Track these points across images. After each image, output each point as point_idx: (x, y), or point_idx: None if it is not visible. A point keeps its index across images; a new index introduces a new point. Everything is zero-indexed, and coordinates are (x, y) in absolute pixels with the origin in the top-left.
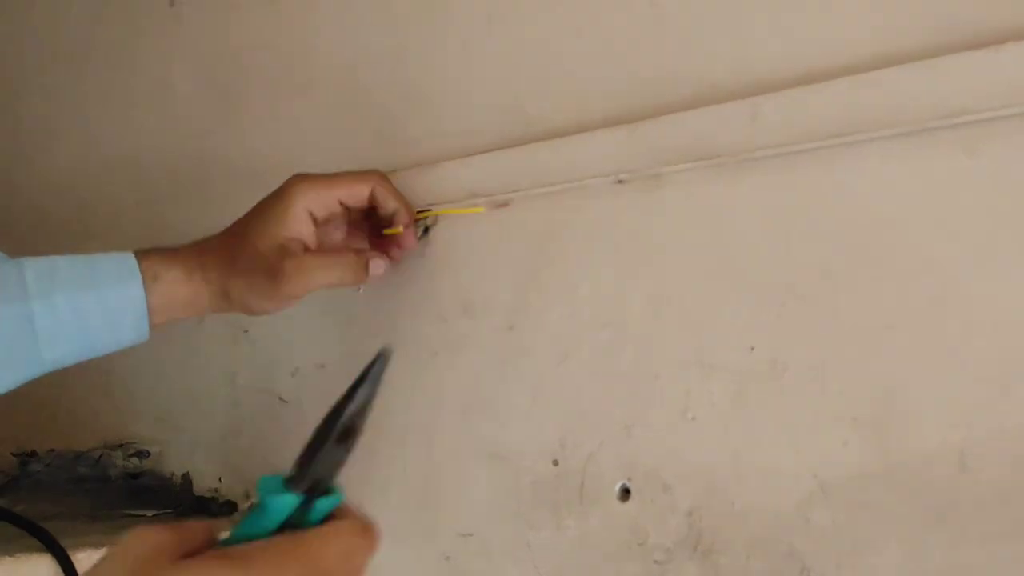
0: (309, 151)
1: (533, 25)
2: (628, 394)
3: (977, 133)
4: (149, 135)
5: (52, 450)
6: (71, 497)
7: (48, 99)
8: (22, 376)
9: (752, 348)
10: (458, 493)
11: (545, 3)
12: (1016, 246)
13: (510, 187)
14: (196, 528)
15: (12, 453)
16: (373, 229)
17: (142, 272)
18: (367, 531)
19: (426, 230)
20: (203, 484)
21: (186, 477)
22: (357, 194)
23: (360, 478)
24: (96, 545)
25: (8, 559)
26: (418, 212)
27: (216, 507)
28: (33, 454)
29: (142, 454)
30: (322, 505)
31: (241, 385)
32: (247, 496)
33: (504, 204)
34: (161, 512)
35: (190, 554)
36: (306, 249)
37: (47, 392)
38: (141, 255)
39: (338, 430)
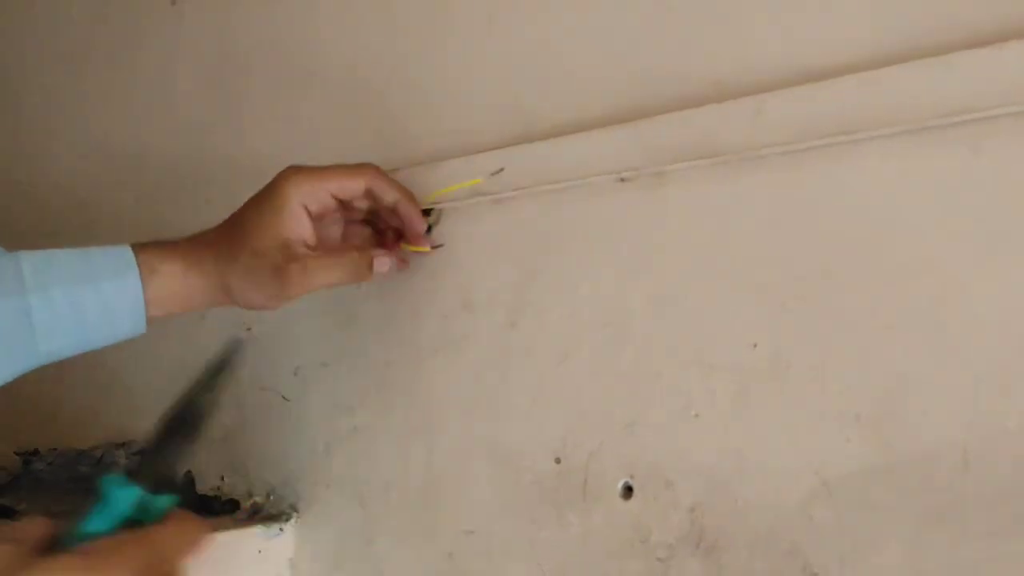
0: (310, 149)
1: (535, 23)
2: (630, 391)
3: (980, 131)
4: (151, 134)
5: (54, 449)
6: (73, 496)
7: (49, 98)
8: (18, 368)
9: (755, 345)
10: (460, 491)
11: (547, 1)
12: (1019, 244)
13: (513, 185)
14: (32, 527)
15: (14, 452)
16: (378, 227)
17: (139, 265)
18: (202, 526)
19: (429, 228)
20: (205, 483)
21: (188, 476)
22: (350, 188)
23: (362, 476)
24: None
25: None
26: (420, 210)
27: (218, 505)
28: (35, 453)
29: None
30: (161, 502)
31: (243, 384)
32: (250, 495)
33: (499, 171)
34: None
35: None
36: (307, 246)
37: (49, 391)
38: (138, 248)
39: (180, 425)
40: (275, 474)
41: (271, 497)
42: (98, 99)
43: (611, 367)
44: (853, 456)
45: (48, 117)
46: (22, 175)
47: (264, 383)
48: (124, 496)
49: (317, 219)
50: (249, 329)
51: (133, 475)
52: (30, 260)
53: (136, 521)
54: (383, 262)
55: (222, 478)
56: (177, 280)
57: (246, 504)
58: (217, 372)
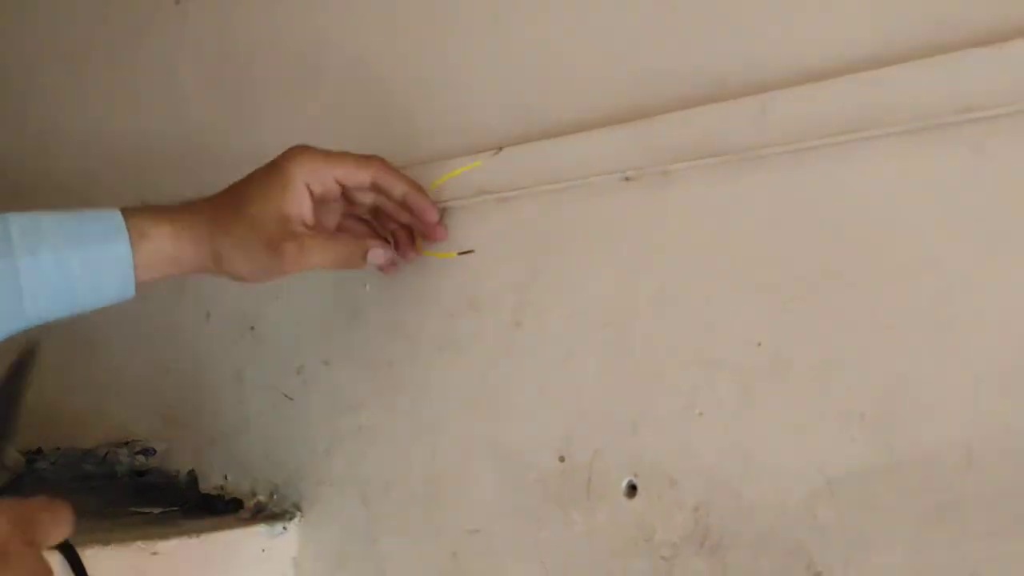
0: None
1: (539, 22)
2: (634, 390)
3: (983, 130)
4: (155, 133)
5: (58, 448)
6: (77, 495)
7: (52, 97)
8: (5, 330)
9: (758, 344)
10: (464, 490)
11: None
12: (1021, 243)
13: (517, 184)
14: None
15: (18, 451)
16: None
17: (129, 229)
18: (70, 510)
19: None
20: (209, 482)
21: (192, 474)
22: (357, 176)
23: (366, 475)
24: (103, 542)
25: None
26: None
27: (222, 504)
28: (39, 452)
29: (148, 452)
30: None
31: (247, 382)
32: (253, 494)
33: (498, 150)
34: (167, 510)
35: None
36: (304, 225)
37: (53, 390)
38: (129, 213)
39: None
40: (278, 473)
41: (274, 496)
42: (101, 98)
43: (615, 366)
44: (856, 455)
45: (51, 116)
46: (25, 174)
47: (267, 382)
48: None
49: (318, 201)
50: (252, 328)
51: None
52: (18, 223)
53: None
54: (378, 253)
55: (225, 477)
56: (167, 243)
57: (249, 503)
58: (14, 378)
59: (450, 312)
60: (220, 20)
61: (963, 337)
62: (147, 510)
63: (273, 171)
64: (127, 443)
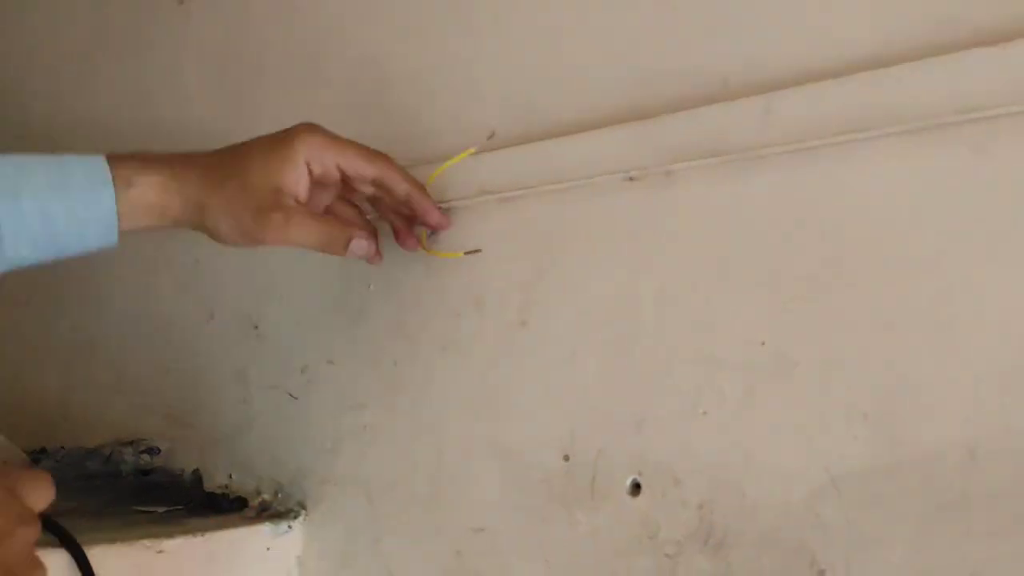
0: None
1: (543, 21)
2: (638, 389)
3: (986, 130)
4: (159, 132)
5: (62, 447)
6: (82, 494)
7: (58, 97)
8: None
9: (762, 343)
10: (469, 488)
11: (556, 0)
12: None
13: (521, 184)
14: None
15: (23, 450)
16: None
17: (114, 178)
18: (51, 483)
19: None
20: (213, 481)
21: (196, 473)
22: (359, 169)
23: (370, 474)
24: (109, 541)
25: None
26: None
27: (226, 503)
28: (43, 451)
29: (152, 451)
30: None
31: (251, 382)
32: (258, 492)
33: (491, 136)
34: (172, 508)
35: None
36: (296, 201)
37: (57, 390)
38: (116, 160)
39: None
40: (283, 472)
41: (279, 495)
42: (106, 97)
43: (619, 365)
44: (859, 454)
45: (56, 115)
46: None
47: (271, 381)
48: None
49: (315, 182)
50: (256, 327)
51: None
52: (1, 166)
53: None
54: (361, 244)
55: (230, 476)
56: (153, 193)
57: (254, 502)
58: None
59: (454, 312)
60: (223, 19)
61: (965, 336)
62: (152, 509)
63: (278, 142)
64: (131, 442)
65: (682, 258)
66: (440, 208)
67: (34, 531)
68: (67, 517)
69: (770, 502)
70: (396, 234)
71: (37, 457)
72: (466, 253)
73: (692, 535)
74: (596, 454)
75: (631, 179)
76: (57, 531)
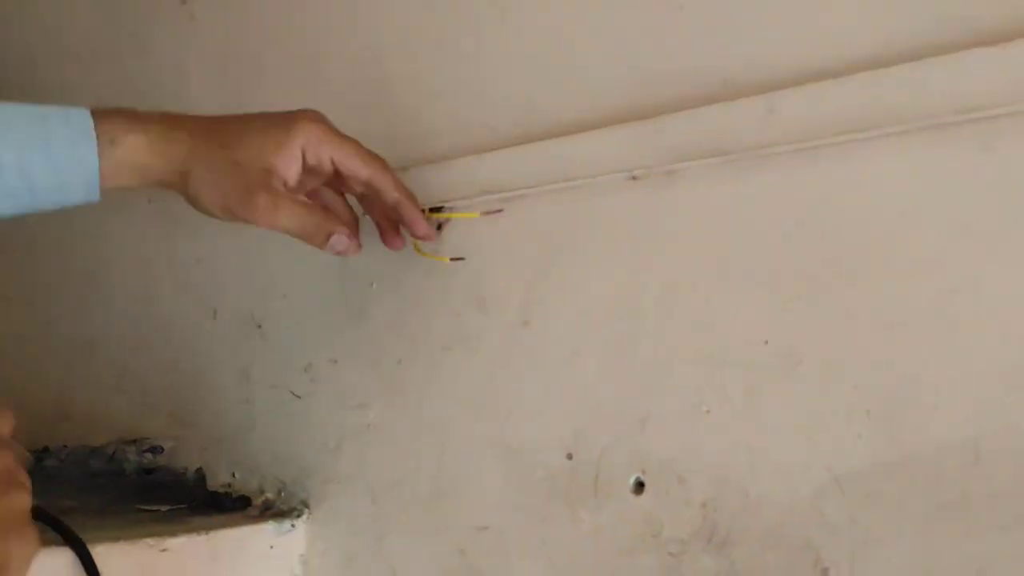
0: None
1: (546, 21)
2: (642, 388)
3: (992, 129)
4: None
5: (65, 446)
6: (85, 493)
7: (59, 97)
8: None
9: (766, 342)
10: (472, 487)
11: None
12: None
13: (523, 184)
14: None
15: (27, 449)
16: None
17: (98, 135)
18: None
19: (439, 227)
20: (216, 479)
21: (199, 472)
22: (353, 169)
23: (374, 473)
24: (113, 539)
25: None
26: (430, 210)
27: (229, 502)
28: (46, 450)
29: (156, 450)
30: None
31: (254, 381)
32: (261, 491)
33: (497, 211)
34: (175, 507)
35: None
36: (285, 186)
37: (60, 388)
38: (101, 116)
39: None
40: (286, 471)
41: (282, 494)
42: (108, 99)
43: (622, 364)
44: (864, 452)
45: None
46: None
47: (274, 380)
48: None
49: (306, 170)
50: (259, 326)
51: None
52: None
53: None
54: (341, 240)
55: (233, 475)
56: (137, 154)
57: (257, 501)
58: None
59: (457, 311)
60: (225, 19)
61: (968, 335)
62: (155, 508)
63: (278, 123)
64: (135, 441)
65: (684, 257)
66: (424, 222)
67: (6, 453)
68: (71, 515)
69: (774, 500)
70: (382, 233)
71: (40, 456)
72: (452, 259)
73: (696, 533)
74: (599, 453)
75: (633, 179)
76: (61, 529)
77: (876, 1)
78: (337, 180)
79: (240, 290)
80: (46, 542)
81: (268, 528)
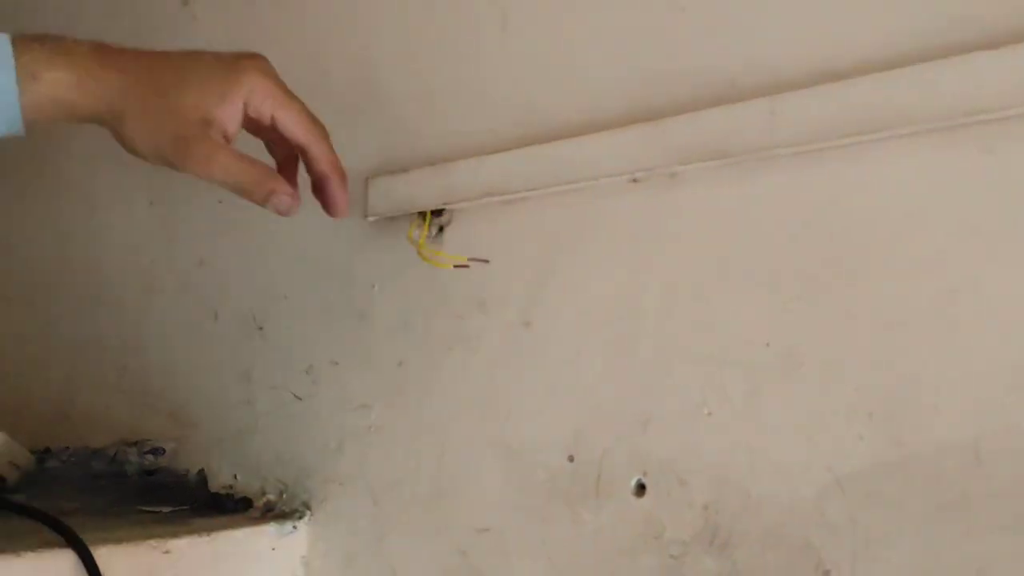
0: None
1: (548, 24)
2: (643, 390)
3: (993, 131)
4: None
5: (67, 447)
6: (87, 494)
7: None
8: None
9: (767, 344)
10: (473, 488)
11: (560, 2)
12: None
13: (524, 186)
14: None
15: (29, 450)
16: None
17: (18, 68)
18: None
19: (440, 229)
20: (218, 481)
21: (201, 474)
22: (291, 132)
23: (375, 474)
24: (115, 541)
25: (31, 554)
26: (431, 211)
27: (231, 504)
28: (48, 451)
29: (157, 451)
30: None
31: (256, 382)
32: (262, 493)
33: (484, 260)
34: (177, 509)
35: None
36: (224, 137)
37: (61, 389)
38: (23, 46)
39: None
40: (288, 472)
41: (284, 495)
42: None
43: (624, 366)
44: (865, 453)
45: None
46: (33, 175)
47: (276, 382)
48: None
49: (246, 123)
50: (260, 328)
51: None
52: None
53: None
54: (282, 200)
55: (235, 476)
56: (62, 89)
57: (259, 502)
58: None
59: (459, 312)
60: (227, 20)
61: (969, 336)
62: (157, 509)
63: (220, 73)
64: (136, 442)
65: (686, 259)
66: (346, 199)
67: None
68: (73, 517)
69: (775, 502)
70: (324, 204)
71: (42, 457)
72: (455, 266)
73: (697, 535)
74: (600, 454)
75: (635, 181)
76: (63, 531)
77: (878, 4)
78: (271, 135)
79: (241, 291)
80: (49, 544)
81: (270, 529)
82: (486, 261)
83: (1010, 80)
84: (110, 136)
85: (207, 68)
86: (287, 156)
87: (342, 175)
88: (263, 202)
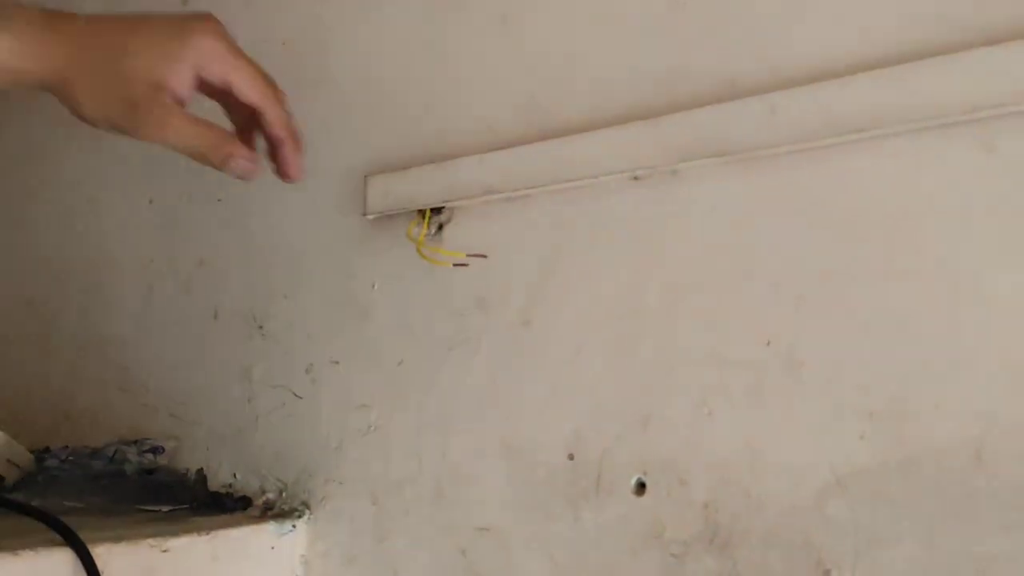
0: (323, 148)
1: (549, 21)
2: (644, 389)
3: (995, 128)
4: None
5: (66, 446)
6: (86, 493)
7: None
8: None
9: (768, 343)
10: (473, 487)
11: (561, 0)
12: None
13: (525, 184)
14: None
15: (28, 449)
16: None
17: None
18: None
19: (440, 227)
20: (218, 479)
21: (201, 473)
22: (245, 93)
23: (375, 473)
24: (114, 540)
25: (29, 552)
26: (431, 209)
27: (231, 503)
28: (47, 450)
29: (157, 450)
30: None
31: (255, 381)
32: (262, 491)
33: (482, 256)
34: (176, 508)
35: None
36: (177, 102)
37: (61, 388)
38: None
39: None
40: (287, 471)
41: (283, 494)
42: None
43: (624, 364)
44: (866, 452)
45: (58, 117)
46: (33, 174)
47: (276, 381)
48: None
49: (198, 86)
50: (261, 327)
51: None
52: None
53: None
54: (239, 164)
55: (234, 475)
56: (5, 56)
57: (258, 501)
58: None
59: (459, 311)
60: (226, 20)
61: (972, 335)
62: (156, 508)
63: (171, 35)
64: (136, 441)
65: (687, 257)
66: (300, 162)
67: None
68: (72, 516)
69: (776, 501)
70: (278, 168)
71: (42, 456)
72: (455, 264)
73: (698, 534)
74: (602, 453)
75: (636, 178)
76: (62, 530)
77: (879, 2)
78: (225, 99)
79: (241, 290)
80: (47, 543)
81: (269, 528)
82: (484, 256)
83: (1012, 77)
84: (110, 136)
85: (157, 32)
86: (246, 119)
87: (296, 138)
88: (221, 166)
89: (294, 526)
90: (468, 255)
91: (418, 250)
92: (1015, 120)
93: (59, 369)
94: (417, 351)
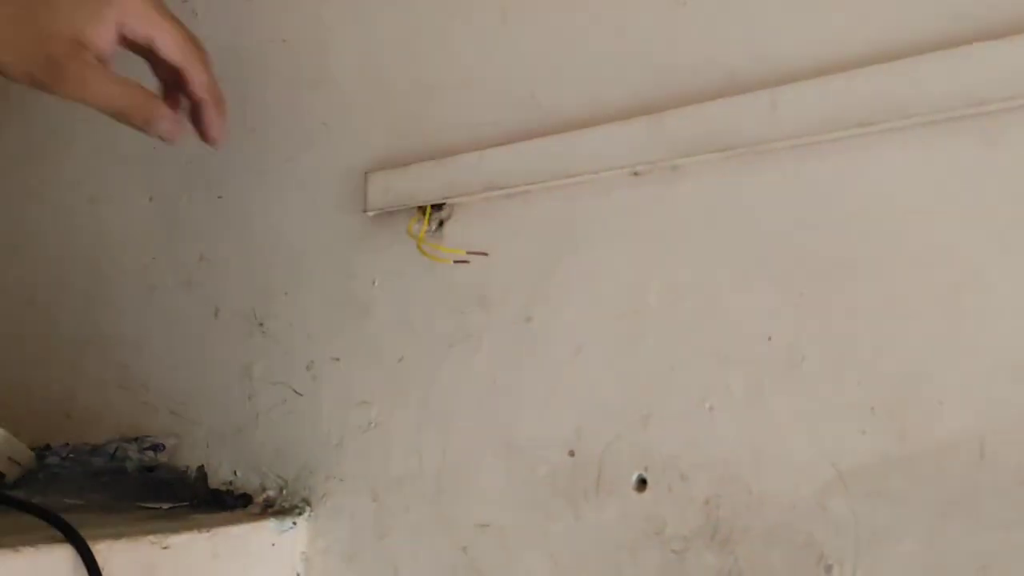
0: (323, 144)
1: (549, 16)
2: (644, 385)
3: (997, 123)
4: None
5: (67, 444)
6: (87, 491)
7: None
8: None
9: (769, 338)
10: (474, 484)
11: None
12: None
13: (525, 179)
14: None
15: (29, 447)
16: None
17: None
18: None
19: (440, 223)
20: (218, 477)
21: (201, 470)
22: (167, 53)
23: (376, 470)
24: (114, 536)
25: (30, 549)
26: (431, 206)
27: (231, 500)
28: (47, 448)
29: (157, 447)
30: None
31: (256, 378)
32: (263, 489)
33: (483, 253)
34: (177, 505)
35: None
36: (99, 59)
37: (62, 386)
38: None
39: None
40: (288, 468)
41: (284, 491)
42: None
43: (625, 361)
44: (868, 448)
45: (58, 116)
46: (33, 174)
47: (276, 378)
48: None
49: (122, 44)
50: (261, 324)
51: None
52: None
53: None
54: (162, 125)
55: (235, 472)
56: None
57: (259, 498)
58: None
59: (460, 307)
60: (228, 17)
61: (974, 329)
62: (156, 505)
63: None
64: (136, 439)
65: (688, 253)
66: (222, 125)
67: None
68: (72, 513)
69: (777, 497)
70: (202, 133)
71: (42, 454)
72: (456, 261)
73: (699, 531)
74: (602, 449)
75: (637, 174)
76: (63, 527)
77: None
78: (151, 56)
79: (242, 288)
80: (47, 540)
81: (270, 526)
82: (484, 254)
83: (1013, 71)
84: (111, 133)
85: None
86: (172, 80)
87: (219, 100)
88: (143, 127)
89: (295, 523)
90: (469, 252)
91: (419, 247)
92: (1017, 115)
93: (60, 367)
94: (418, 348)
